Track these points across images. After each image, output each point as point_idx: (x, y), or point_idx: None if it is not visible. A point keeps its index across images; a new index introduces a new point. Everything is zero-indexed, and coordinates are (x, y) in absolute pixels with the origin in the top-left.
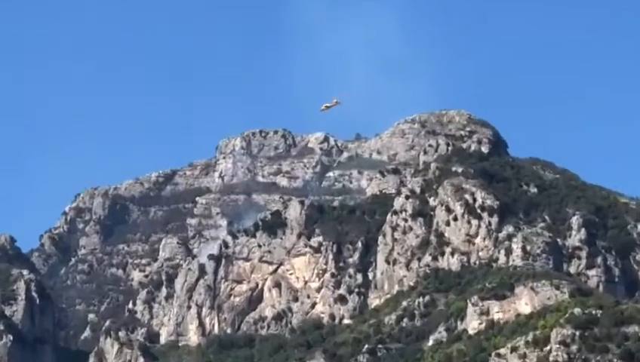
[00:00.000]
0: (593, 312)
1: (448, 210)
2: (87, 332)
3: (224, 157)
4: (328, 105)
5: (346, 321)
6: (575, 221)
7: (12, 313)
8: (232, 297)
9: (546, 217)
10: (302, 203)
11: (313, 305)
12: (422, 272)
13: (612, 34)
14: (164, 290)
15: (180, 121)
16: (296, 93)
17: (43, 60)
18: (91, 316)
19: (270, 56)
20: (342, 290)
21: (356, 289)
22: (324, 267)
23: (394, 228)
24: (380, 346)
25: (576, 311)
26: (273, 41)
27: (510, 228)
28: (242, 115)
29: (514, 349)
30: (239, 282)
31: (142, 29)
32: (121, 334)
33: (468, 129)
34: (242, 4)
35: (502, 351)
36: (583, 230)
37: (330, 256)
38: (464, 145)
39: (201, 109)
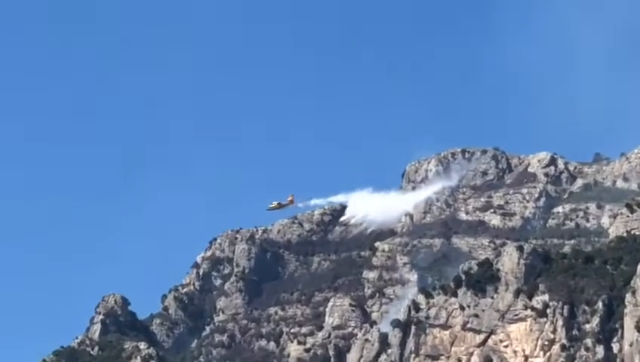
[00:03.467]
0: None
1: None
2: None
3: (414, 188)
4: (278, 204)
5: None
6: None
7: None
8: None
9: None
10: (520, 249)
11: None
12: None
13: None
14: None
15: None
16: (510, 98)
17: None
18: None
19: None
20: None
21: None
22: (552, 337)
23: None
24: None
25: None
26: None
27: None
28: (436, 128)
29: None
30: (435, 358)
31: None
32: None
33: None
34: None
35: None
36: None
37: (560, 322)
38: None
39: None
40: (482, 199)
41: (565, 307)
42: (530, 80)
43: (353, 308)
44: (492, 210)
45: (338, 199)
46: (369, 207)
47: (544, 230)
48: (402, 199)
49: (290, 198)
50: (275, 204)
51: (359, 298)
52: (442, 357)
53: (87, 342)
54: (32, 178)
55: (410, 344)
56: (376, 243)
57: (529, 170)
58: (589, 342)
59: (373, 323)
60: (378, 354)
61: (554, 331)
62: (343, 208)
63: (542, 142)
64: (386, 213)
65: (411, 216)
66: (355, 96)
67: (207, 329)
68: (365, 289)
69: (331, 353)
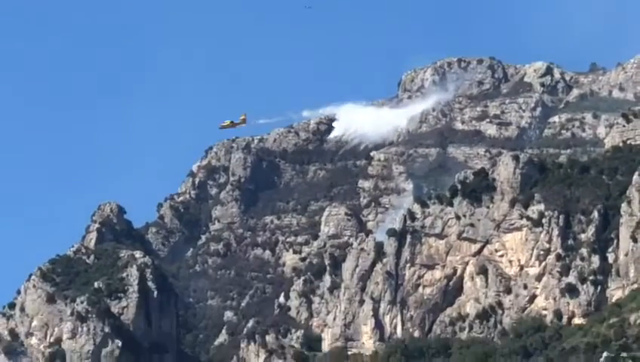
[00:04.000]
0: None
1: None
2: (222, 337)
3: (409, 97)
4: (230, 122)
5: (577, 320)
6: None
7: (121, 310)
8: (420, 288)
9: None
10: (516, 158)
11: (532, 299)
12: None
13: None
14: (327, 279)
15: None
16: (506, 7)
17: None
18: (228, 314)
19: None
20: (571, 278)
21: (591, 277)
22: (547, 246)
23: None
24: (623, 355)
25: None
26: None
27: None
28: (433, 36)
29: None
30: (431, 267)
31: None
32: (269, 338)
33: None
34: None
35: None
36: None
37: (556, 232)
38: None
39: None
40: (478, 109)
41: (561, 217)
42: None
43: (349, 218)
44: (488, 120)
45: (328, 112)
46: (363, 121)
47: (540, 139)
48: (397, 113)
49: (242, 117)
50: (227, 122)
51: (355, 207)
52: (437, 267)
53: (83, 250)
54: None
55: (406, 253)
56: (372, 153)
57: (525, 79)
58: (584, 251)
59: (368, 233)
60: (373, 264)
61: (549, 241)
62: (331, 121)
63: (538, 51)
64: (380, 127)
65: (408, 125)
66: (350, 7)
67: (203, 238)
68: (361, 199)
69: (327, 262)
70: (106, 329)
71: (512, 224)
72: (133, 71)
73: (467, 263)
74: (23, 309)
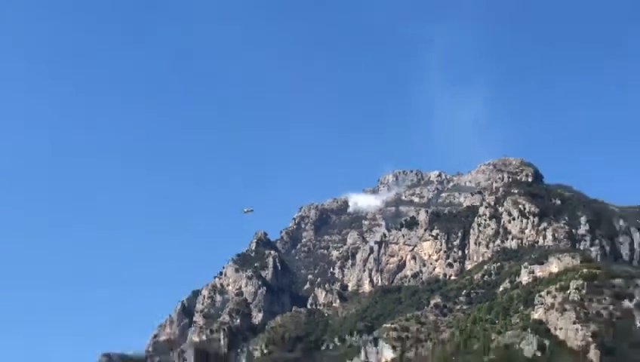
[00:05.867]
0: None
1: (509, 214)
2: (307, 285)
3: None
4: (247, 210)
5: (454, 277)
6: (583, 220)
7: (265, 274)
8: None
9: (566, 217)
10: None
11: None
12: (495, 249)
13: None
14: (349, 261)
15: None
16: None
17: None
18: (310, 276)
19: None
20: (450, 259)
21: (458, 260)
22: (441, 247)
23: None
24: (472, 291)
25: (584, 271)
26: None
27: (545, 224)
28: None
29: (548, 292)
30: (392, 256)
31: None
32: (327, 286)
33: (521, 168)
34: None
35: (542, 293)
36: (587, 225)
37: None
38: (518, 178)
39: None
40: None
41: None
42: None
43: (359, 236)
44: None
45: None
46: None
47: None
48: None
49: (251, 209)
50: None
51: (362, 232)
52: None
53: None
54: None
55: (382, 251)
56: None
57: (431, 179)
58: (455, 249)
59: (366, 242)
60: (369, 255)
61: (440, 246)
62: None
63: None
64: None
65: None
66: None
67: (299, 245)
68: (363, 228)
69: (350, 254)
70: (259, 283)
71: (426, 238)
72: None
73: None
74: None
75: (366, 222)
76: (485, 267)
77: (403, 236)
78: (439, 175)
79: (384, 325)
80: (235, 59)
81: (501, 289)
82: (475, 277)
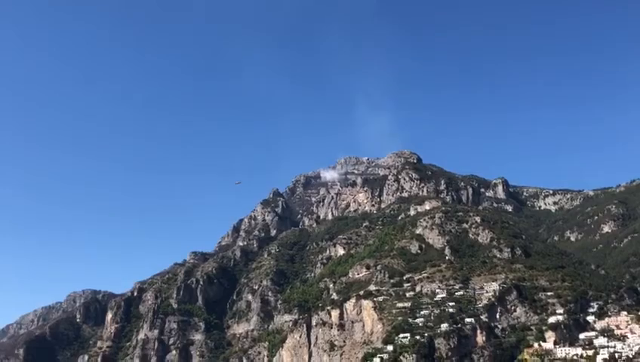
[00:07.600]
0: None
1: (404, 180)
2: (299, 216)
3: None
4: (237, 182)
5: (375, 212)
6: (442, 182)
7: (277, 210)
8: None
9: (433, 181)
10: (361, 178)
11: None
12: (397, 197)
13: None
14: (321, 203)
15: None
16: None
17: None
18: (300, 211)
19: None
20: (373, 202)
21: (377, 203)
22: (369, 196)
23: None
24: (384, 219)
25: (442, 208)
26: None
27: (422, 185)
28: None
29: (424, 220)
30: (343, 201)
31: None
32: (309, 217)
33: (410, 155)
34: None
35: (421, 220)
36: (444, 185)
37: None
38: (409, 160)
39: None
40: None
41: None
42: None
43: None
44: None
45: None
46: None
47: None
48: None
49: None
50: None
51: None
52: None
53: None
54: None
55: None
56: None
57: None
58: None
59: None
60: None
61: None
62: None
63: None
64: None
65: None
66: None
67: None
68: None
69: None
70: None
71: None
72: None
73: None
74: None
75: (330, 184)
76: (392, 206)
77: (349, 191)
78: (368, 159)
79: (339, 236)
80: None
81: (399, 218)
82: (386, 212)
